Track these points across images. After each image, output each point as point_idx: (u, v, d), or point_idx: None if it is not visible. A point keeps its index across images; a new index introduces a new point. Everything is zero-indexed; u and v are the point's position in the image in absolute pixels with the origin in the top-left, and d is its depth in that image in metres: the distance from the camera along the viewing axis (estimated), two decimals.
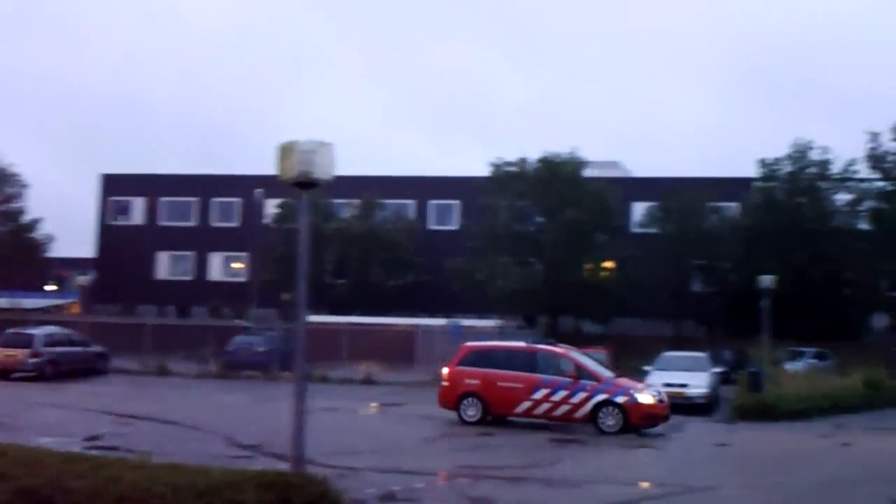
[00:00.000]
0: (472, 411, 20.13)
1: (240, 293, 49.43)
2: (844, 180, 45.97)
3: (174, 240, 56.01)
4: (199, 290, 54.32)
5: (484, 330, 40.35)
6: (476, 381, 20.27)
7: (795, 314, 38.45)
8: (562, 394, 19.65)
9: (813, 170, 45.83)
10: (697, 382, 24.85)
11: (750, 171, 47.45)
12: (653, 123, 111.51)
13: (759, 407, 23.12)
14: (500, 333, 40.78)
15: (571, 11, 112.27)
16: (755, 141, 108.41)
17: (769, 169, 46.69)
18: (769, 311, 31.63)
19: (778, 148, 62.23)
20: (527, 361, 20.46)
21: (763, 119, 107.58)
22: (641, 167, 59.33)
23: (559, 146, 51.38)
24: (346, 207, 49.97)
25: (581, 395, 19.56)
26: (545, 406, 19.78)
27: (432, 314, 40.16)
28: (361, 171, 47.32)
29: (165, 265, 57.04)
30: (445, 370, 20.95)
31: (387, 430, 19.41)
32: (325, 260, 46.34)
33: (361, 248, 47.27)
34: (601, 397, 19.48)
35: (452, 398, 20.46)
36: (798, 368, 32.39)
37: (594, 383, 19.75)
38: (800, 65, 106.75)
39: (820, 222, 44.57)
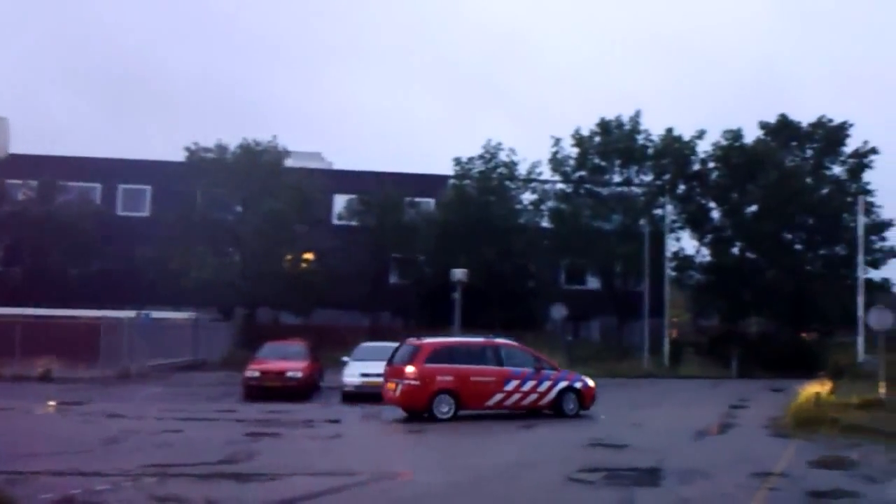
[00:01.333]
0: (445, 408, 20.48)
1: None
2: (529, 181, 49.38)
3: None
4: None
5: (177, 322, 38.72)
6: (449, 378, 20.59)
7: (485, 305, 40.76)
8: (530, 384, 21.41)
9: (502, 170, 48.78)
10: None
11: (447, 168, 49.63)
12: (356, 118, 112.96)
13: None
14: (195, 326, 39.39)
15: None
16: (453, 140, 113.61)
17: (462, 167, 49.07)
18: (460, 303, 33.11)
19: (473, 148, 65.62)
20: (493, 355, 21.57)
21: (462, 119, 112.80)
22: (343, 160, 59.84)
23: (260, 134, 50.38)
24: (22, 189, 45.71)
25: (547, 384, 21.62)
26: (516, 396, 21.28)
27: (121, 306, 37.70)
28: (40, 150, 43.53)
29: None
30: (411, 369, 20.53)
31: (67, 431, 17.85)
32: None
33: (38, 234, 43.37)
34: (564, 384, 21.88)
35: (424, 397, 20.46)
36: None
37: (555, 372, 22.05)
38: (492, 70, 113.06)
39: (508, 219, 47.52)
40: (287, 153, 45.99)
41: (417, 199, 48.79)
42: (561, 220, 48.56)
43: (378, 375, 23.29)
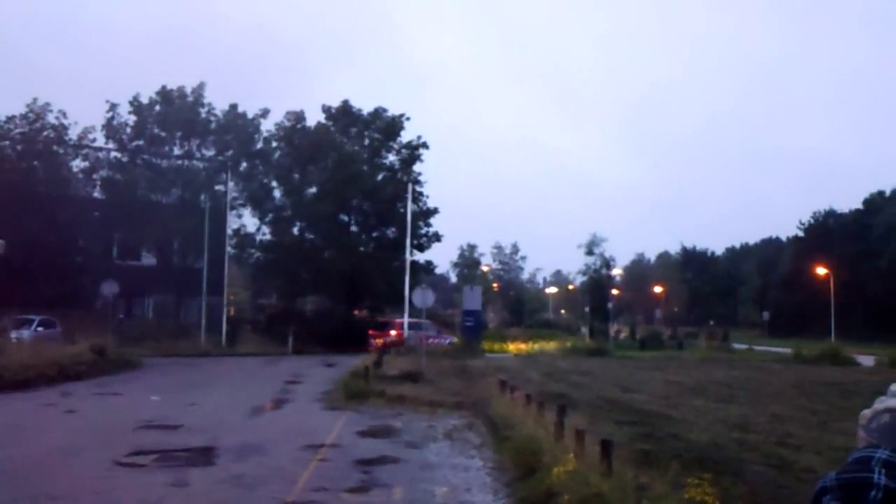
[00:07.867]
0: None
1: None
2: (81, 147, 45.80)
3: None
4: None
5: None
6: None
7: (26, 281, 36.99)
8: (435, 339, 40.39)
9: (49, 133, 44.54)
10: None
11: None
12: None
13: None
14: None
15: None
16: None
17: (2, 127, 44.00)
18: None
19: (15, 106, 59.14)
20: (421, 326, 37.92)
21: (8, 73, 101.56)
22: None
23: None
24: None
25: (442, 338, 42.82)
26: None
27: None
28: None
29: None
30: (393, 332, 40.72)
31: None
32: None
33: None
34: (449, 339, 42.93)
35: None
36: (24, 337, 31.20)
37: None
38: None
39: (55, 187, 43.58)
40: None
41: None
42: (115, 190, 45.76)
43: None
